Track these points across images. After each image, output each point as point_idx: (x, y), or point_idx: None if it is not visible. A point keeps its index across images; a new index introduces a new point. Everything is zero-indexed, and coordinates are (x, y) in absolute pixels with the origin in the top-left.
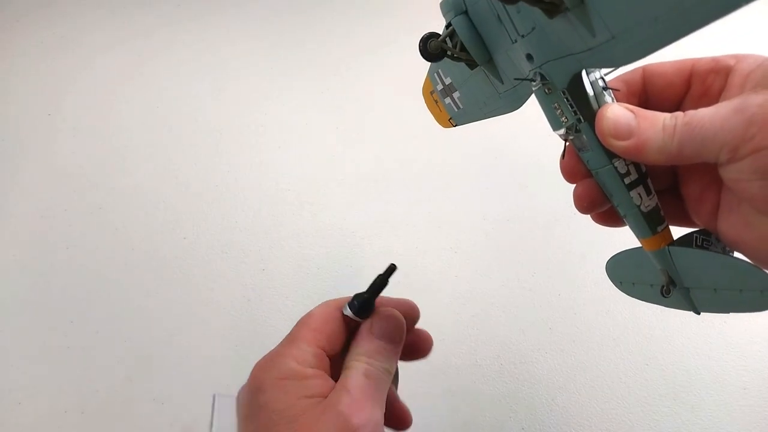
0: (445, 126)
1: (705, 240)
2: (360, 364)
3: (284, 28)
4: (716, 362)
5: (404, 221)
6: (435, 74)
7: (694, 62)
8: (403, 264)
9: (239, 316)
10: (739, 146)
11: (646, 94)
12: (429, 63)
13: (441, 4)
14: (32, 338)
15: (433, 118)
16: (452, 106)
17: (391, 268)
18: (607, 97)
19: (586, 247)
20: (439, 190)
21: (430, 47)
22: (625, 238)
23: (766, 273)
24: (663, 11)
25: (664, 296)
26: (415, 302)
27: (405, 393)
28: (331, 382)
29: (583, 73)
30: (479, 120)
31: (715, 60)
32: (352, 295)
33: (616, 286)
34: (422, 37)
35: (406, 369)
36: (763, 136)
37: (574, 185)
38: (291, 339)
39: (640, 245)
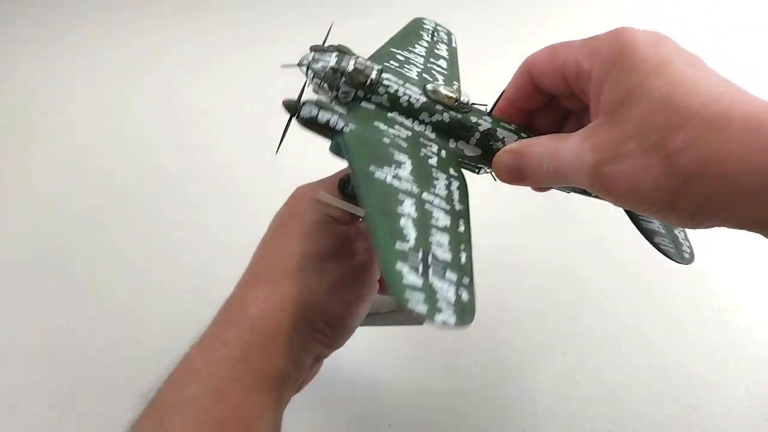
0: None
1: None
2: None
3: (292, 30)
4: (718, 364)
5: None
6: None
7: (565, 62)
8: None
9: None
10: (593, 188)
11: (539, 94)
12: None
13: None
14: (30, 339)
15: None
16: None
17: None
18: (500, 134)
19: (588, 248)
20: None
21: (348, 191)
22: (625, 238)
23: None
24: None
25: None
26: None
27: (405, 393)
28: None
29: (462, 145)
30: None
31: (577, 64)
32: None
33: None
34: (340, 181)
35: (405, 369)
36: (610, 183)
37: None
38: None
39: None
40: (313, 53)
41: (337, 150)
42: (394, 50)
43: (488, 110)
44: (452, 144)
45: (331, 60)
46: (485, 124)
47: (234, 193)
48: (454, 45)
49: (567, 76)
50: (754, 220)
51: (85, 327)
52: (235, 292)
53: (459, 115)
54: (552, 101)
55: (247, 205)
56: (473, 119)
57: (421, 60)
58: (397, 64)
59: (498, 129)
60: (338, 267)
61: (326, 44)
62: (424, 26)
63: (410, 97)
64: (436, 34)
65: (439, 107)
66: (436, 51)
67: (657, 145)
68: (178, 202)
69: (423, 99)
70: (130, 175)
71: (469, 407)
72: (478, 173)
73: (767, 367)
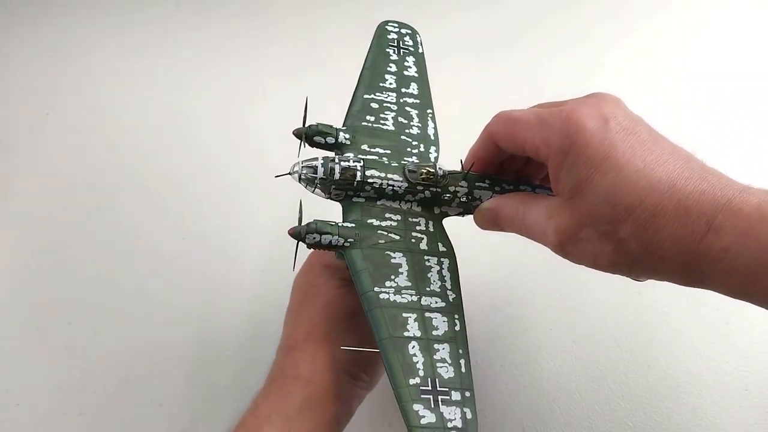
0: None
1: None
2: None
3: (294, 29)
4: (718, 363)
5: None
6: None
7: (524, 142)
8: None
9: (240, 316)
10: (559, 255)
11: (503, 152)
12: None
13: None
14: (30, 339)
15: None
16: None
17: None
18: (477, 194)
19: None
20: None
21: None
22: None
23: None
24: None
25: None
26: None
27: None
28: None
29: (446, 208)
30: None
31: (535, 147)
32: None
33: None
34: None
35: None
36: (572, 258)
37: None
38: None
39: None
40: (301, 164)
41: (341, 257)
42: (367, 96)
43: (462, 170)
44: (437, 210)
45: (319, 171)
46: (462, 189)
47: (239, 197)
48: (420, 49)
49: (527, 152)
50: (694, 285)
51: (85, 327)
52: (281, 357)
53: (438, 189)
54: None
55: (250, 210)
56: (451, 189)
57: (393, 97)
58: (373, 119)
59: (474, 190)
60: (362, 321)
61: (306, 120)
62: (389, 36)
63: (393, 186)
64: (402, 42)
65: (420, 187)
66: (405, 73)
67: (608, 233)
68: (180, 203)
69: (405, 185)
70: (131, 175)
71: None
72: (462, 216)
73: (766, 367)
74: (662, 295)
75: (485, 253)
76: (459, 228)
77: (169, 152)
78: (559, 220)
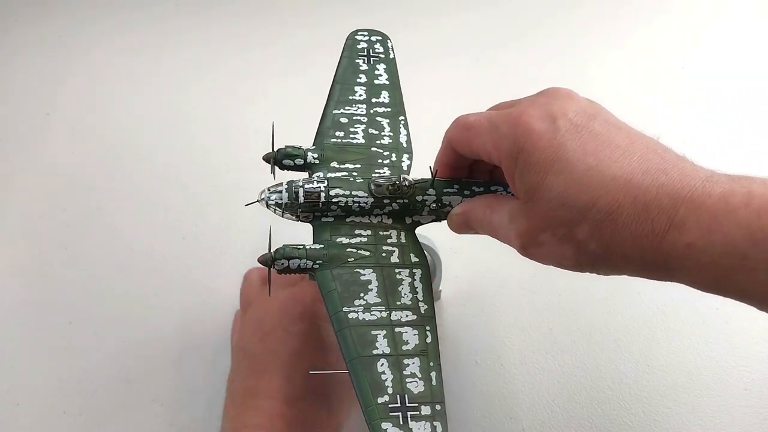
0: None
1: None
2: None
3: (294, 29)
4: (717, 363)
5: None
6: None
7: (478, 148)
8: None
9: None
10: (525, 255)
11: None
12: None
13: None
14: (30, 339)
15: None
16: None
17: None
18: (446, 200)
19: None
20: None
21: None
22: None
23: None
24: None
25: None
26: None
27: None
28: None
29: (417, 217)
30: None
31: (488, 153)
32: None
33: None
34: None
35: None
36: (537, 259)
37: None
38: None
39: None
40: (267, 191)
41: (313, 278)
42: (336, 112)
43: (430, 177)
44: (408, 220)
45: (284, 195)
46: (431, 198)
47: (239, 197)
48: (391, 55)
49: (482, 157)
50: (662, 280)
51: (85, 327)
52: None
53: (406, 200)
54: None
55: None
56: (419, 198)
57: (363, 109)
58: (342, 135)
59: (443, 197)
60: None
61: (274, 144)
62: (359, 46)
63: (359, 202)
64: (372, 51)
65: (386, 200)
66: (375, 82)
67: (567, 236)
68: (180, 203)
69: (371, 200)
70: (131, 175)
71: (468, 407)
72: (439, 222)
73: (766, 367)
74: (662, 295)
75: (485, 253)
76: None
77: (169, 152)
78: (519, 225)
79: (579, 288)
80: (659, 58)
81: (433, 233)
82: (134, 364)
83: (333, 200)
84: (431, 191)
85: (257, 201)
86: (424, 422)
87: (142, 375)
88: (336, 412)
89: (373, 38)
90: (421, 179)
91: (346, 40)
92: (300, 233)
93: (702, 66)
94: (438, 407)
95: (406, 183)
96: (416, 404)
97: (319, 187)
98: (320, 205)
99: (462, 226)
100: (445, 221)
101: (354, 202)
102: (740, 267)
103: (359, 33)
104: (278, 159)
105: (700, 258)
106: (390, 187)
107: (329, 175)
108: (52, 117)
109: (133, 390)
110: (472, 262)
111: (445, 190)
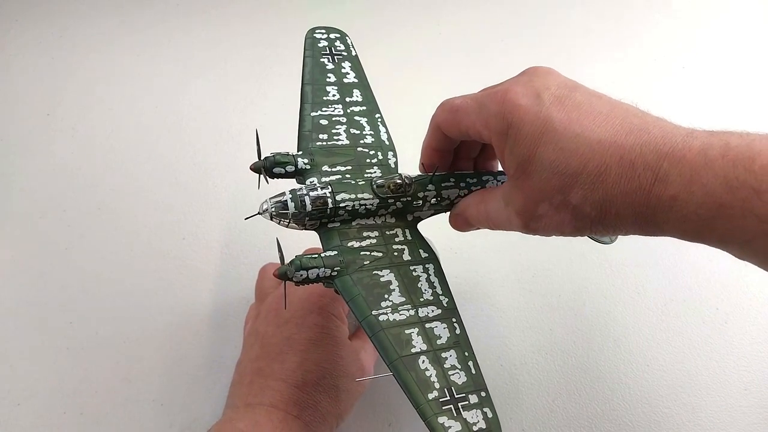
0: None
1: None
2: None
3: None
4: (717, 363)
5: None
6: None
7: (467, 129)
8: None
9: (240, 316)
10: (527, 233)
11: (453, 140)
12: None
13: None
14: (31, 339)
15: None
16: None
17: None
18: (445, 195)
19: (587, 247)
20: None
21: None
22: (624, 238)
23: None
24: None
25: None
26: None
27: (404, 396)
28: None
29: (419, 213)
30: None
31: (478, 132)
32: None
33: None
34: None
35: None
36: (541, 233)
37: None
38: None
39: None
40: (269, 201)
41: (330, 286)
42: (314, 114)
43: (426, 173)
44: (410, 217)
45: (289, 206)
46: (431, 193)
47: (239, 197)
48: (353, 52)
49: (472, 137)
50: (653, 234)
51: (86, 327)
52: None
53: (409, 198)
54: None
55: (250, 210)
56: (420, 194)
57: (340, 109)
58: (326, 137)
59: (442, 191)
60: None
61: (261, 153)
62: (320, 45)
63: (366, 205)
64: (333, 49)
65: (391, 200)
66: (345, 81)
67: (562, 203)
68: (180, 203)
69: (376, 201)
70: (131, 175)
71: None
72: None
73: (766, 367)
74: (662, 295)
75: (485, 253)
76: (457, 230)
77: (169, 152)
78: (516, 204)
79: (579, 288)
80: (659, 58)
81: (433, 233)
82: (134, 364)
83: (340, 205)
84: (431, 187)
85: (258, 213)
86: (475, 410)
87: (142, 375)
88: (341, 404)
89: (332, 36)
90: (420, 175)
91: (306, 38)
92: (299, 237)
93: (702, 66)
94: (483, 394)
95: (408, 180)
96: (464, 394)
97: (325, 193)
98: (328, 212)
99: (463, 225)
100: (445, 219)
101: (361, 204)
102: (719, 215)
103: (317, 31)
104: (268, 167)
105: (682, 209)
106: (393, 186)
107: (325, 179)
108: (52, 117)
109: (133, 390)
110: (472, 262)
111: (443, 185)
